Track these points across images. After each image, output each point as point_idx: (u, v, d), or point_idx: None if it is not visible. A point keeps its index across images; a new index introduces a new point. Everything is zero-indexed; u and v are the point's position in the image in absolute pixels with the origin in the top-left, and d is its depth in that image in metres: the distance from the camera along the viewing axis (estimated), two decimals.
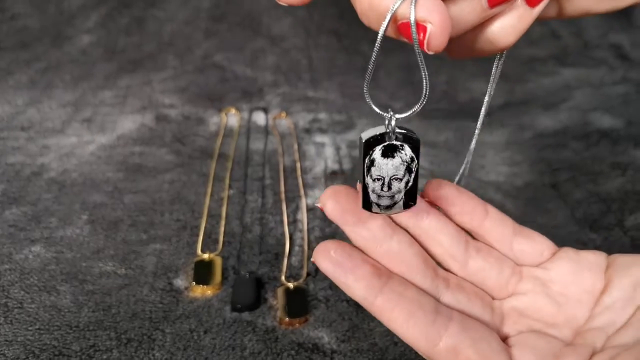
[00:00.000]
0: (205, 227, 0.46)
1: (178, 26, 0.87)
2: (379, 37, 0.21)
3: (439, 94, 0.73)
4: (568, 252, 0.29)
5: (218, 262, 0.42)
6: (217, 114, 0.66)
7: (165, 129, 0.63)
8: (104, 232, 0.46)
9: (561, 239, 0.30)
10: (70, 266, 0.42)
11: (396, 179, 0.24)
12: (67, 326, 0.36)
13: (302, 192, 0.51)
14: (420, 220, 0.27)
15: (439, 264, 0.28)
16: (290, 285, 0.40)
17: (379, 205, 0.24)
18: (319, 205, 0.26)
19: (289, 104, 0.69)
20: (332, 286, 0.40)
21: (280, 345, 0.36)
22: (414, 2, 0.20)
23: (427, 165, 0.57)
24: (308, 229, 0.46)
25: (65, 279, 0.41)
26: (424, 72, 0.22)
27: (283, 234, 0.46)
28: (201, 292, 0.40)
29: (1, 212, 0.48)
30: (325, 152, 0.59)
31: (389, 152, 0.23)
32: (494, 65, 0.27)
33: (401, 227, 0.27)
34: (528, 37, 0.85)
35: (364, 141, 0.23)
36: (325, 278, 0.41)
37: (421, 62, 0.21)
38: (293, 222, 0.47)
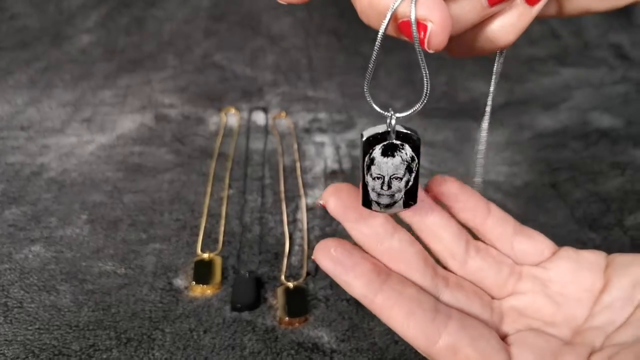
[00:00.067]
0: (205, 227, 0.46)
1: (178, 26, 0.87)
2: (379, 35, 0.21)
3: (438, 93, 0.73)
4: (568, 252, 0.29)
5: (218, 261, 0.42)
6: (216, 114, 0.66)
7: (165, 129, 0.63)
8: (104, 231, 0.46)
9: (561, 239, 0.30)
10: (70, 266, 0.42)
11: (396, 178, 0.24)
12: (67, 326, 0.36)
13: (301, 191, 0.51)
14: (425, 217, 0.27)
15: (438, 262, 0.28)
16: (290, 284, 0.40)
17: (378, 204, 0.24)
18: (321, 202, 0.26)
19: (289, 104, 0.69)
20: (332, 286, 0.40)
21: (280, 344, 0.36)
22: (414, 0, 0.20)
23: (427, 164, 0.57)
24: (308, 229, 0.46)
25: (65, 278, 0.41)
26: (425, 71, 0.22)
27: (283, 234, 0.46)
28: (201, 291, 0.40)
29: (1, 211, 0.48)
30: (325, 152, 0.59)
31: (389, 151, 0.23)
32: (496, 62, 0.27)
33: (404, 223, 0.27)
34: (528, 37, 0.85)
35: (364, 139, 0.23)
36: (325, 277, 0.41)
37: (422, 61, 0.21)
38: (293, 222, 0.47)
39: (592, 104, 0.69)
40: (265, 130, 0.63)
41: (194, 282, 0.40)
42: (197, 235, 0.45)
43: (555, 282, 0.28)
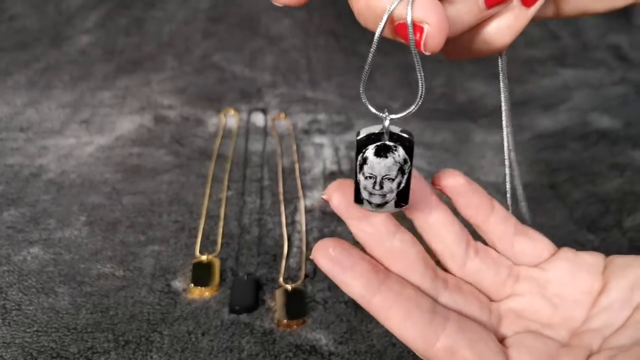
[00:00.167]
0: (203, 229, 0.46)
1: (177, 27, 0.87)
2: (375, 37, 0.21)
3: (437, 94, 0.73)
4: (566, 253, 0.29)
5: (216, 263, 0.42)
6: (215, 115, 0.66)
7: (164, 130, 0.63)
8: (102, 233, 0.46)
9: (559, 240, 0.30)
10: (69, 268, 0.42)
11: (388, 179, 0.24)
12: (65, 328, 0.36)
13: (300, 193, 0.51)
14: (428, 215, 0.27)
15: (438, 262, 0.28)
16: (289, 286, 0.40)
17: (370, 203, 0.24)
18: (324, 196, 0.26)
19: (288, 105, 0.69)
20: (330, 288, 0.40)
21: (278, 347, 0.35)
22: (410, 2, 0.20)
23: (425, 165, 0.57)
24: (306, 230, 0.46)
25: (64, 280, 0.41)
26: (420, 73, 0.22)
27: (281, 235, 0.46)
28: (199, 293, 0.39)
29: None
30: (324, 153, 0.59)
31: (382, 152, 0.23)
32: (499, 64, 0.28)
33: (407, 219, 0.27)
34: (527, 38, 0.85)
35: (358, 138, 0.23)
36: (324, 279, 0.41)
37: (417, 63, 0.21)
38: (291, 224, 0.47)
39: (591, 105, 0.69)
40: (265, 132, 0.63)
41: (192, 284, 0.40)
42: (196, 237, 0.45)
43: (554, 284, 0.28)
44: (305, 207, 0.49)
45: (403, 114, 0.23)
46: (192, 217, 0.48)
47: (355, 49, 0.83)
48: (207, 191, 0.51)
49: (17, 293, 0.39)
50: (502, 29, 0.24)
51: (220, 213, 0.48)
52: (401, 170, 0.24)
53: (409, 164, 0.24)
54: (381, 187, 0.24)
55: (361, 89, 0.23)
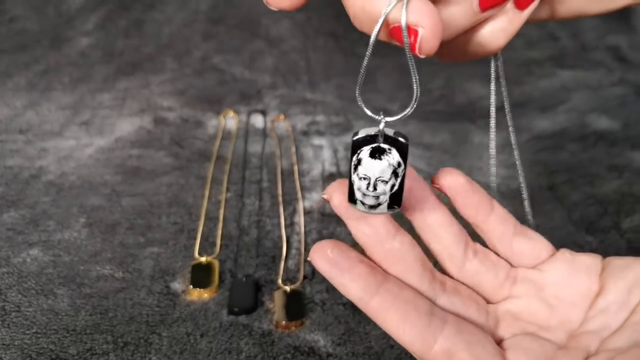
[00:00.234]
0: (202, 230, 0.46)
1: (176, 29, 0.87)
2: (371, 40, 0.21)
3: (436, 95, 0.73)
4: (564, 254, 0.29)
5: (215, 265, 0.42)
6: (215, 117, 0.66)
7: (164, 132, 0.63)
8: (102, 235, 0.46)
9: (558, 241, 0.30)
10: (68, 269, 0.42)
11: (382, 181, 0.24)
12: (64, 330, 0.37)
13: (299, 194, 0.51)
14: (427, 216, 0.27)
15: (436, 263, 0.28)
16: (287, 288, 0.40)
17: (363, 204, 0.25)
18: (325, 196, 0.26)
19: (287, 107, 0.69)
20: (329, 289, 0.40)
21: (277, 348, 0.36)
22: (405, 6, 0.20)
23: (424, 167, 0.57)
24: (305, 232, 0.46)
25: (63, 282, 0.41)
26: (415, 76, 0.22)
27: (280, 237, 0.46)
28: (198, 295, 0.40)
29: None
30: (323, 155, 0.59)
31: (376, 154, 0.23)
32: (492, 67, 0.28)
33: (406, 220, 0.27)
34: (526, 39, 0.86)
35: (353, 139, 0.23)
36: (322, 281, 0.41)
37: (412, 66, 0.21)
38: (290, 225, 0.47)
39: (590, 106, 0.69)
40: (264, 133, 0.63)
41: (191, 286, 0.40)
42: (195, 238, 0.45)
43: (551, 285, 0.28)
44: (304, 209, 0.49)
45: (399, 116, 0.23)
46: (191, 219, 0.48)
47: (354, 50, 0.83)
48: (207, 193, 0.51)
49: (17, 295, 0.39)
50: (496, 31, 0.24)
51: (219, 215, 0.48)
52: (395, 173, 0.24)
53: (402, 167, 0.24)
54: (375, 189, 0.24)
55: (357, 91, 0.23)
